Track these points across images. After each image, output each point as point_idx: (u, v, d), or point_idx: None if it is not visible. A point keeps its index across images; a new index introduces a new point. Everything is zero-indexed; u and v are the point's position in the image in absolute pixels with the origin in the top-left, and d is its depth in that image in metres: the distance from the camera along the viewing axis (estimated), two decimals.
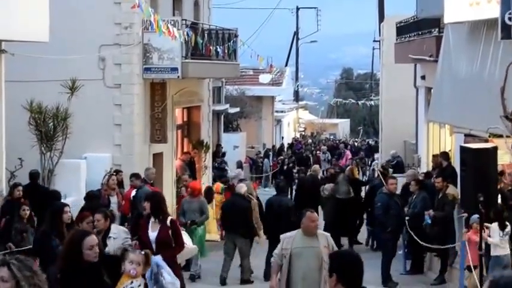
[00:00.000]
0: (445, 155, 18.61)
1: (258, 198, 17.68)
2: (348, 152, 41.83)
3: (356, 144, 53.68)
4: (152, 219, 10.81)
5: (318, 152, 43.40)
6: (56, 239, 10.12)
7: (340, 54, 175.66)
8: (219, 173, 26.48)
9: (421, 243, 15.56)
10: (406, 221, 15.94)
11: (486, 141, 13.87)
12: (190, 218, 16.14)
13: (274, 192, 17.43)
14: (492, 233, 12.81)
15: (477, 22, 15.39)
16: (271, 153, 39.66)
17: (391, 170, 22.53)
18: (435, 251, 16.09)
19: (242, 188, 16.42)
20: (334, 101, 72.40)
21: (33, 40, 14.51)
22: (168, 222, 10.72)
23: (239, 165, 30.38)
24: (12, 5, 13.60)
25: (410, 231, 15.78)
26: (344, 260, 5.55)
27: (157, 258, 10.11)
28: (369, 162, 38.09)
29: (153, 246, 10.52)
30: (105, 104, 19.13)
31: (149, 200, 11.04)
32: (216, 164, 27.55)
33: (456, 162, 16.56)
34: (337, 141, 54.24)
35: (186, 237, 11.31)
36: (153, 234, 10.66)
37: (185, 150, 24.20)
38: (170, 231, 10.69)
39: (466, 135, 15.97)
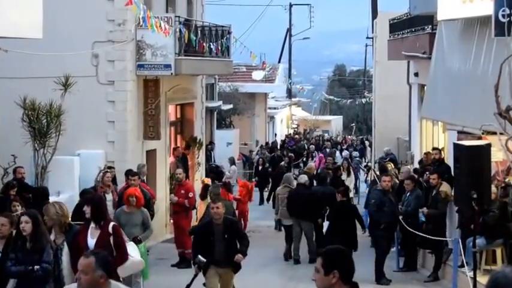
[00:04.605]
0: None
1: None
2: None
3: (337, 139, 52.55)
4: (92, 225, 9.77)
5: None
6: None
7: (333, 51, 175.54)
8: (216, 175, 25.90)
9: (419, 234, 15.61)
10: (400, 219, 15.97)
11: (479, 138, 13.91)
12: (130, 233, 12.79)
13: None
14: None
15: (470, 19, 15.43)
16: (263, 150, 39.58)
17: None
18: (429, 248, 16.12)
19: (303, 178, 18.52)
20: (322, 96, 72.05)
21: (26, 36, 14.41)
22: (109, 228, 9.65)
23: (232, 161, 29.98)
24: (5, 1, 13.54)
25: (407, 227, 15.79)
26: (344, 256, 5.52)
27: None
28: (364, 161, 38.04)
29: None
30: (98, 101, 19.06)
31: (89, 204, 10.00)
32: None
33: (449, 159, 16.60)
34: (322, 139, 51.23)
35: (132, 248, 10.29)
36: (92, 241, 9.61)
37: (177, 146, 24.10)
38: (112, 239, 9.60)
39: (459, 132, 16.02)
